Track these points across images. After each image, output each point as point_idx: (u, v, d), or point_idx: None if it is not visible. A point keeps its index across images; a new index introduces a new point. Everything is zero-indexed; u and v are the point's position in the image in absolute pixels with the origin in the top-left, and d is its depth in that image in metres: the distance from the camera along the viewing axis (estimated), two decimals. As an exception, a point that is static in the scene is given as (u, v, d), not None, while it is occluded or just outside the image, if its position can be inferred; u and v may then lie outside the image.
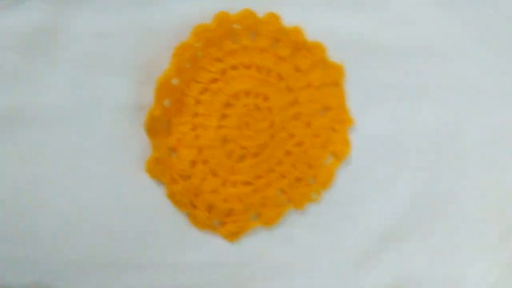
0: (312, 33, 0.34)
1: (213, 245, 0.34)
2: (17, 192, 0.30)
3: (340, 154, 0.35)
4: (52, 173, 0.30)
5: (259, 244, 0.35)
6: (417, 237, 0.38)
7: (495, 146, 0.39)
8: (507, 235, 0.40)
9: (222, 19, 0.31)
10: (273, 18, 0.33)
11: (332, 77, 0.34)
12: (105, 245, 0.32)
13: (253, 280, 0.35)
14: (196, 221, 0.33)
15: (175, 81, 0.31)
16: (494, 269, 0.39)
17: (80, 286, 0.31)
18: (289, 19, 0.33)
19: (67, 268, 0.31)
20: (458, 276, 0.39)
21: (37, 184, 0.30)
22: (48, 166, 0.30)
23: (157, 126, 0.31)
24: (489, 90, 0.39)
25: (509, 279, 0.40)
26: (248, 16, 0.32)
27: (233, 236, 0.34)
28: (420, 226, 0.38)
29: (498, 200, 0.40)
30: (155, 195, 0.32)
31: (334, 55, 0.34)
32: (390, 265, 0.37)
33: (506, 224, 0.40)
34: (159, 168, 0.31)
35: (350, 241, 0.36)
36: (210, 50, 0.32)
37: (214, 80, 0.32)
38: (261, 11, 0.33)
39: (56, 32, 0.30)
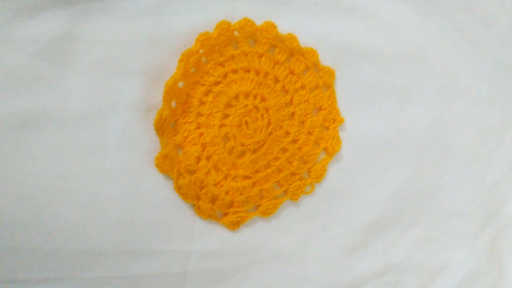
0: (305, 40, 0.35)
1: (216, 233, 0.35)
2: (39, 188, 0.31)
3: (332, 151, 0.36)
4: (71, 169, 0.31)
5: (257, 232, 0.36)
6: (401, 227, 0.39)
7: (475, 144, 0.41)
8: (485, 226, 0.42)
9: (224, 28, 0.33)
10: (270, 26, 0.34)
11: (324, 80, 0.36)
12: (119, 234, 0.33)
13: (252, 265, 0.36)
14: (201, 212, 0.34)
15: (181, 84, 0.33)
16: (472, 256, 0.42)
17: (97, 272, 0.33)
18: (284, 27, 0.35)
19: (85, 256, 0.32)
20: (440, 263, 0.41)
21: (59, 179, 0.31)
22: (68, 162, 0.31)
23: (165, 125, 0.32)
24: (470, 92, 0.40)
25: (487, 266, 0.42)
26: (247, 24, 0.33)
27: (234, 225, 0.35)
28: (405, 217, 0.39)
29: (477, 193, 0.42)
30: (163, 188, 0.33)
31: (325, 60, 0.36)
32: (376, 253, 0.39)
33: (483, 215, 0.42)
34: (167, 164, 0.33)
35: (340, 230, 0.38)
36: (213, 55, 0.33)
37: (217, 83, 0.34)
38: (259, 20, 0.34)
39: (74, 40, 0.31)
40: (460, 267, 0.41)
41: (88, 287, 0.33)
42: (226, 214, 0.35)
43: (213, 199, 0.34)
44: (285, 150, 0.35)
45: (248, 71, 0.34)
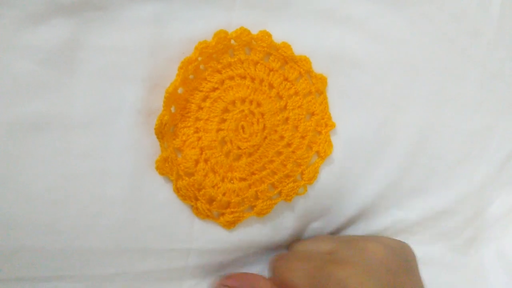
0: (299, 48, 0.36)
1: (213, 232, 0.36)
2: (45, 189, 0.32)
3: (324, 154, 0.38)
4: (76, 171, 0.32)
5: (253, 231, 0.37)
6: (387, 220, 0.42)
7: (463, 148, 0.43)
8: (468, 224, 0.44)
9: (221, 36, 0.34)
10: (265, 35, 0.35)
11: (316, 87, 0.37)
12: (122, 233, 0.34)
13: (247, 263, 0.38)
14: (199, 212, 0.35)
15: (180, 91, 0.34)
16: (451, 251, 0.44)
17: (101, 269, 0.34)
18: (279, 35, 0.36)
19: (90, 254, 0.33)
20: (420, 254, 0.41)
21: (64, 181, 0.32)
22: (73, 165, 0.32)
23: (165, 130, 0.33)
24: (458, 99, 0.42)
25: (464, 260, 0.44)
26: (243, 33, 0.35)
27: (230, 225, 0.36)
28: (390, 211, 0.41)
29: (463, 194, 0.43)
30: (164, 189, 0.34)
31: (318, 67, 0.37)
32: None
33: (468, 215, 0.44)
34: (167, 166, 0.34)
35: (330, 226, 0.40)
36: (211, 63, 0.35)
37: (214, 89, 0.35)
38: (255, 29, 0.35)
39: (78, 47, 0.31)
40: (438, 259, 0.43)
41: (93, 284, 0.34)
42: (223, 214, 0.36)
43: (211, 200, 0.36)
44: (279, 153, 0.37)
45: (244, 77, 0.35)
